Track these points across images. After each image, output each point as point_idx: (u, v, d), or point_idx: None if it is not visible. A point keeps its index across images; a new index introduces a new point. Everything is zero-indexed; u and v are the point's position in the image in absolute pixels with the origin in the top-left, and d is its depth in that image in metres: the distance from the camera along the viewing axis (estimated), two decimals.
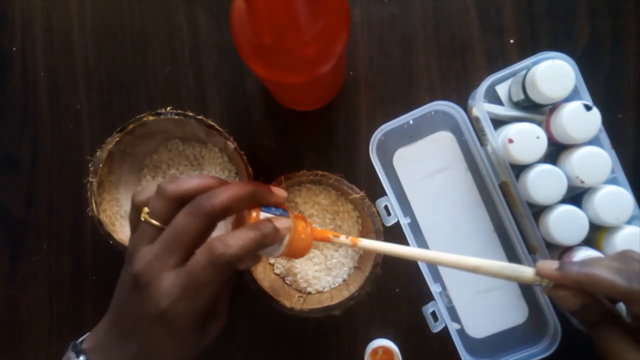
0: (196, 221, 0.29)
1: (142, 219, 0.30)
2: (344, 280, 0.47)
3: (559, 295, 0.31)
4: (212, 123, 0.41)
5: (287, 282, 0.47)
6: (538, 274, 0.31)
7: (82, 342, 0.32)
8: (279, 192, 0.34)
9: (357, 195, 0.43)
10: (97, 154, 0.41)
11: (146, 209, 0.31)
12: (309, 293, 0.46)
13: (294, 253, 0.34)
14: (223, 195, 0.29)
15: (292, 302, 0.43)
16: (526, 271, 0.32)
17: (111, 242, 0.41)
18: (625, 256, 0.30)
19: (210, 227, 0.30)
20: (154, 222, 0.30)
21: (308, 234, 0.34)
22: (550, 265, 0.31)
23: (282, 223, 0.31)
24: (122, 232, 0.43)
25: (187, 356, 0.31)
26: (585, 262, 0.30)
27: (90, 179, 0.41)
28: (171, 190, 0.30)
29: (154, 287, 0.29)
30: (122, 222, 0.44)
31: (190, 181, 0.31)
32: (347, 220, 0.46)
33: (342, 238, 0.35)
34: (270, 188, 0.33)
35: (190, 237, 0.29)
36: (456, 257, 0.33)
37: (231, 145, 0.41)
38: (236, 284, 0.34)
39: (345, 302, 0.42)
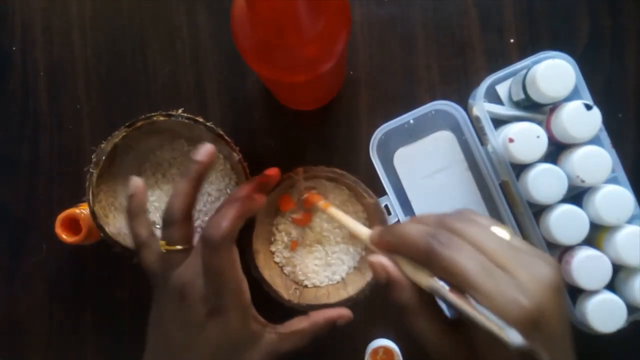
0: (210, 247, 0.31)
1: (164, 250, 0.32)
2: (342, 279, 0.47)
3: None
4: (221, 132, 0.41)
5: (285, 272, 0.47)
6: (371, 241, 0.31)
7: None
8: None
9: (372, 201, 0.43)
10: (102, 145, 0.40)
11: (162, 242, 0.32)
12: (305, 286, 0.46)
13: None
14: (225, 223, 0.31)
15: (289, 293, 0.43)
16: (363, 232, 0.32)
17: (101, 235, 0.40)
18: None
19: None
20: (179, 247, 0.32)
21: None
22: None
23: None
24: (113, 225, 0.42)
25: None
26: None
27: (91, 170, 0.40)
28: (178, 216, 0.32)
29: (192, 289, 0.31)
30: (115, 214, 0.43)
31: (179, 199, 0.33)
32: None
33: (321, 203, 0.40)
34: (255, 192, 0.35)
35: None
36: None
37: (236, 156, 0.41)
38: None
39: (344, 303, 0.42)
